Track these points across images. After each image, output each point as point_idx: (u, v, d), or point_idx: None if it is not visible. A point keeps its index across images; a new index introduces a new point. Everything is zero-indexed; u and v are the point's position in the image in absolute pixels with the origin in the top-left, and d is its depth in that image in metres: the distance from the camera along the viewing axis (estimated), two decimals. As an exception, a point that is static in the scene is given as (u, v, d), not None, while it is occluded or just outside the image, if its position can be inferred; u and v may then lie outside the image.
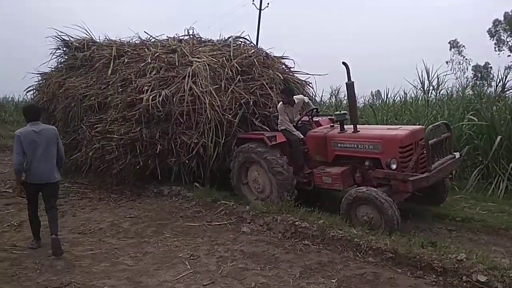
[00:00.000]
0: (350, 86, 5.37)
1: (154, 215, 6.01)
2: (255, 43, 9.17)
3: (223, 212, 5.79)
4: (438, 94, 12.14)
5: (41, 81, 9.25)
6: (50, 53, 9.02)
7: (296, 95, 6.60)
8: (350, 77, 5.34)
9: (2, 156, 11.86)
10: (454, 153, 5.35)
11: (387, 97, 13.96)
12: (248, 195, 6.40)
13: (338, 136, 5.57)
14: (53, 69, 9.10)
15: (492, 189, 6.51)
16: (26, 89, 9.62)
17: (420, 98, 12.27)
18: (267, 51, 8.30)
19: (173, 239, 4.97)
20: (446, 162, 5.11)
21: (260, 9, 26.33)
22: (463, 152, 7.29)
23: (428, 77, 12.39)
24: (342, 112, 5.77)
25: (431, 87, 12.49)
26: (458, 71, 40.63)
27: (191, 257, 4.36)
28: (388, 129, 5.47)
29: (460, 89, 13.16)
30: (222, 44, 8.19)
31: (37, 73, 9.38)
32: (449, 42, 43.52)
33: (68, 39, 8.97)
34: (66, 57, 9.00)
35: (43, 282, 3.79)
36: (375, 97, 14.86)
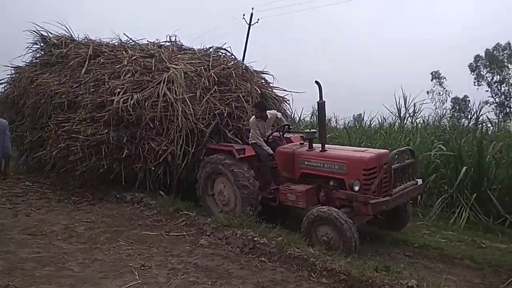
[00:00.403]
0: (321, 105, 5.39)
1: (111, 221, 5.83)
2: (238, 56, 9.18)
3: (184, 223, 5.67)
4: (413, 122, 12.46)
5: (14, 75, 9.00)
6: (26, 47, 8.82)
7: (269, 110, 6.58)
8: (322, 96, 5.36)
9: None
10: (417, 180, 5.39)
11: (362, 120, 14.22)
12: (213, 207, 6.29)
13: (306, 153, 5.56)
14: (27, 64, 8.88)
15: (454, 218, 6.58)
16: (-4, 81, 9.33)
17: (396, 124, 12.56)
18: (246, 65, 8.32)
19: (127, 247, 4.81)
20: (408, 188, 5.14)
21: (249, 24, 26.64)
22: (430, 180, 7.42)
23: (405, 104, 12.78)
24: (311, 130, 5.77)
25: (408, 114, 12.87)
26: (437, 101, 41.88)
27: (142, 267, 4.21)
28: (355, 151, 5.49)
29: (436, 118, 13.54)
30: (202, 53, 8.16)
31: (11, 66, 9.13)
32: (431, 73, 44.81)
33: (46, 34, 8.79)
34: (42, 53, 8.81)
35: (-23, 283, 3.59)
36: (356, 120, 15.03)
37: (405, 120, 12.62)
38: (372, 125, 13.61)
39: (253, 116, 6.25)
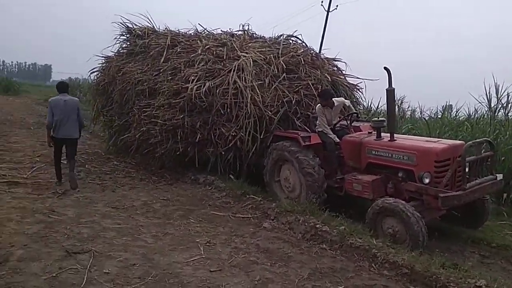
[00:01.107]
0: (390, 92, 5.16)
1: (185, 200, 6.25)
2: (315, 44, 9.10)
3: (250, 206, 5.86)
4: (506, 113, 11.22)
5: (104, 64, 9.92)
6: (114, 38, 9.63)
7: (336, 98, 6.45)
8: (391, 83, 5.13)
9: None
10: (496, 175, 4.93)
11: (449, 111, 13.16)
12: (279, 193, 6.41)
13: (373, 143, 5.38)
14: (115, 54, 9.71)
15: (546, 220, 5.91)
16: (91, 70, 10.38)
17: (485, 116, 11.44)
18: (317, 52, 8.20)
19: (196, 224, 5.14)
20: (485, 183, 4.73)
21: (328, 11, 26.00)
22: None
23: (496, 94, 11.53)
24: (380, 119, 5.55)
25: (500, 105, 11.61)
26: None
27: (207, 244, 4.48)
28: (426, 141, 5.17)
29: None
30: (272, 41, 8.23)
31: (102, 56, 10.06)
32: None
33: (131, 26, 9.51)
34: (128, 43, 9.56)
35: (67, 246, 4.12)
36: (446, 111, 13.98)
37: (497, 111, 11.44)
38: (458, 117, 12.63)
39: (319, 104, 6.19)
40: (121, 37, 9.56)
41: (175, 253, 4.19)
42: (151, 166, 8.10)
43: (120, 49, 9.57)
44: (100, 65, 10.03)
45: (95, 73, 10.28)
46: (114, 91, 8.97)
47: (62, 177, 6.64)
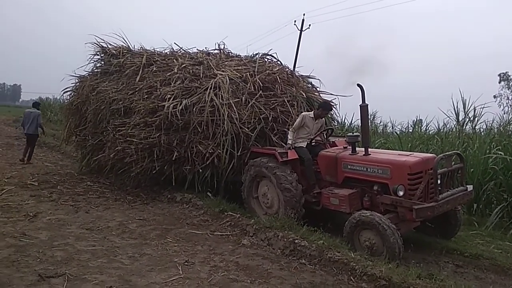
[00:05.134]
0: (363, 108, 5.33)
1: (162, 219, 6.14)
2: (289, 62, 9.29)
3: (228, 224, 5.83)
4: (473, 127, 11.70)
5: (77, 83, 9.78)
6: (88, 58, 9.55)
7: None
8: (364, 99, 5.30)
9: (40, 151, 12.60)
10: (467, 186, 5.12)
11: (414, 125, 13.64)
12: (257, 209, 6.41)
13: (349, 158, 5.50)
14: (89, 73, 9.61)
15: (514, 229, 6.15)
16: (63, 89, 10.20)
17: (454, 130, 11.89)
18: (291, 70, 8.38)
19: (174, 244, 5.05)
20: (456, 194, 4.90)
21: (301, 30, 26.63)
22: (487, 187, 6.98)
23: (464, 108, 12.04)
24: (354, 134, 5.69)
25: (467, 119, 12.10)
26: (506, 106, 38.86)
27: (186, 263, 4.41)
28: (399, 155, 5.34)
29: (501, 123, 12.62)
30: (248, 60, 8.37)
31: (75, 76, 9.93)
32: (499, 75, 41.82)
33: (106, 46, 9.46)
34: (102, 63, 9.49)
35: (40, 270, 3.95)
36: (416, 125, 14.45)
37: (465, 125, 11.92)
38: (428, 131, 13.08)
39: (311, 112, 6.32)
40: (95, 56, 9.48)
41: (153, 273, 4.10)
42: (126, 185, 7.95)
43: (94, 68, 9.49)
44: (73, 84, 9.89)
45: (68, 93, 10.11)
46: (87, 110, 8.84)
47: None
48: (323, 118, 6.50)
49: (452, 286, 3.55)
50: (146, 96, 7.34)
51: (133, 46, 9.33)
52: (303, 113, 6.39)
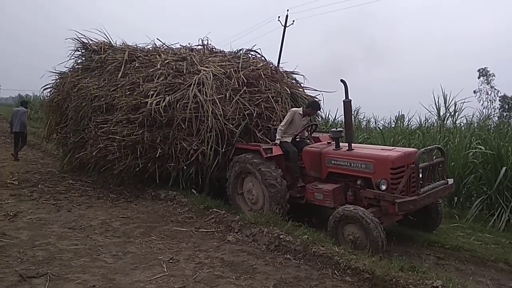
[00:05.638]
0: (347, 104, 5.36)
1: (146, 217, 6.08)
2: (273, 58, 9.31)
3: (213, 220, 5.81)
4: (454, 121, 11.94)
5: (58, 80, 9.58)
6: (69, 54, 9.36)
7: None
8: (347, 95, 5.34)
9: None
10: (448, 179, 5.22)
11: (402, 120, 13.84)
12: (242, 206, 6.41)
13: (333, 153, 5.54)
14: (70, 69, 9.41)
15: (493, 221, 6.31)
16: (43, 86, 9.98)
17: (435, 124, 12.11)
18: (276, 66, 8.39)
19: (158, 241, 5.01)
20: (437, 187, 5.00)
21: (285, 26, 26.64)
22: (468, 181, 7.14)
23: (445, 103, 12.26)
24: (338, 129, 5.74)
25: (448, 114, 12.34)
26: (485, 101, 39.76)
27: (170, 261, 4.38)
28: (382, 149, 5.41)
29: (481, 118, 12.90)
30: (232, 55, 8.33)
31: (55, 72, 9.72)
32: (478, 70, 42.66)
33: (87, 41, 9.28)
34: (83, 59, 9.31)
35: (21, 270, 3.87)
36: (399, 121, 14.64)
37: (446, 120, 12.15)
38: (410, 126, 13.29)
39: (300, 108, 6.36)
40: (76, 52, 9.30)
41: (137, 272, 4.06)
42: (109, 183, 7.85)
43: (75, 65, 9.30)
44: (54, 81, 9.68)
45: (48, 90, 9.90)
46: (68, 107, 8.68)
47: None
48: (308, 118, 6.53)
49: (434, 277, 3.61)
50: (129, 92, 7.24)
51: (115, 42, 9.18)
52: (293, 109, 6.41)
